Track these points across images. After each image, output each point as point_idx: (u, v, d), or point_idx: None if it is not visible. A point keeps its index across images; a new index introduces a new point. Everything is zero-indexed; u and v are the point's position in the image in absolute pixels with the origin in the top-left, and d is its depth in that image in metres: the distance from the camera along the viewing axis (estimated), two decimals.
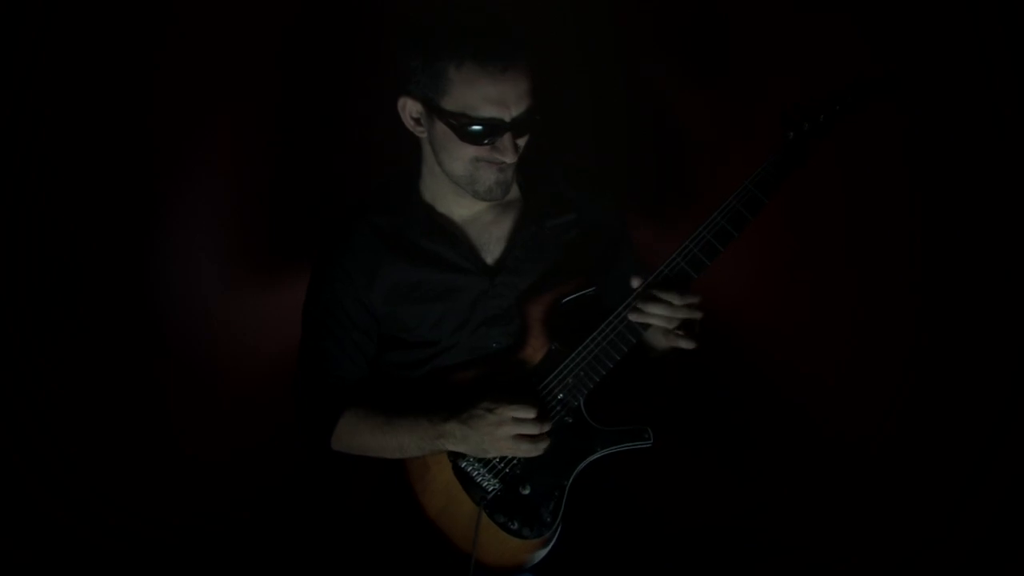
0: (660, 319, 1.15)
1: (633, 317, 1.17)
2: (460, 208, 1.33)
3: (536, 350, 1.27)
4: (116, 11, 1.37)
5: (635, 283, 1.17)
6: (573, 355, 1.22)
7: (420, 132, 1.24)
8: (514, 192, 1.33)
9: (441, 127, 1.17)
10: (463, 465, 1.27)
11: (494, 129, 1.15)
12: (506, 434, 1.18)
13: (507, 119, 1.15)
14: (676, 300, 1.13)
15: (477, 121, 1.14)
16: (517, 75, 1.13)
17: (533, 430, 1.19)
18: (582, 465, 1.25)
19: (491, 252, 1.34)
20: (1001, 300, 1.28)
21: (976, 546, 1.26)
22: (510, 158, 1.19)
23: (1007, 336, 1.28)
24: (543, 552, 1.28)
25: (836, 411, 1.58)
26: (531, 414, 1.18)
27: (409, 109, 1.21)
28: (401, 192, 1.35)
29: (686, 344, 1.17)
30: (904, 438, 1.43)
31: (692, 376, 1.59)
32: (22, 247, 1.32)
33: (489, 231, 1.34)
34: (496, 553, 1.26)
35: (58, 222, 1.37)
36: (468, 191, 1.25)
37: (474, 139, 1.16)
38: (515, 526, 1.24)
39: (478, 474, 1.27)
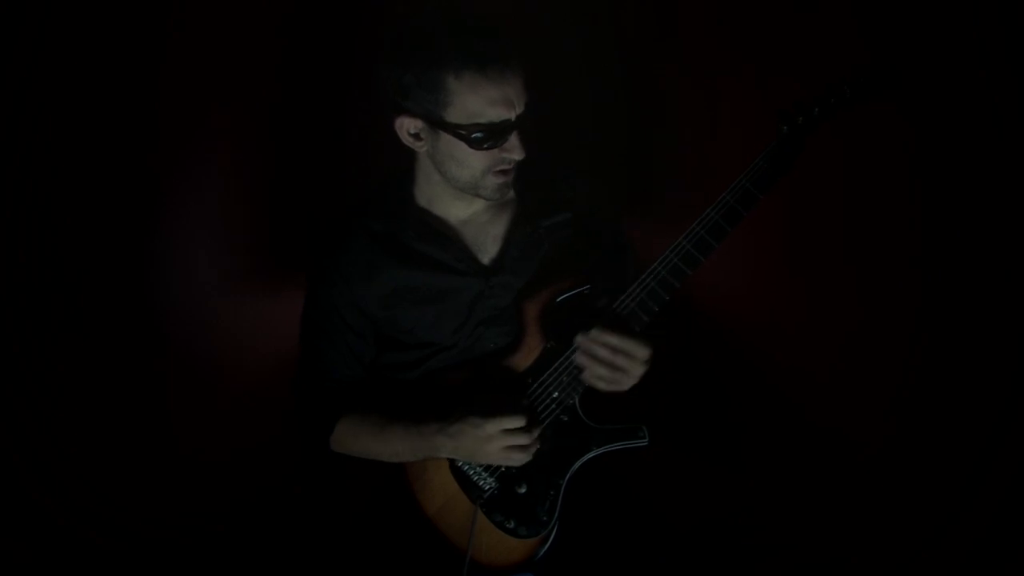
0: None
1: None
2: (457, 210, 1.32)
3: (532, 349, 1.27)
4: (116, 11, 1.37)
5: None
6: (568, 353, 1.22)
7: (420, 147, 1.22)
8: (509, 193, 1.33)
9: (447, 139, 1.16)
10: (460, 465, 1.27)
11: (503, 131, 1.15)
12: (496, 448, 1.18)
13: (514, 118, 1.14)
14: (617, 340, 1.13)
15: (486, 127, 1.13)
16: (516, 72, 1.13)
17: (523, 440, 1.18)
18: (577, 464, 1.25)
19: (487, 253, 1.33)
20: (1002, 299, 1.28)
21: (976, 546, 1.26)
22: (519, 155, 1.18)
23: (1007, 336, 1.27)
24: (540, 551, 1.28)
25: (836, 411, 1.58)
26: (520, 423, 1.18)
27: (407, 126, 1.19)
28: (396, 196, 1.35)
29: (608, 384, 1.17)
30: (904, 438, 1.42)
31: (688, 374, 1.59)
32: (22, 247, 1.32)
33: (485, 232, 1.34)
34: (493, 552, 1.26)
35: (58, 222, 1.37)
36: (473, 194, 1.24)
37: (484, 144, 1.15)
38: (511, 525, 1.24)
39: (475, 473, 1.27)
